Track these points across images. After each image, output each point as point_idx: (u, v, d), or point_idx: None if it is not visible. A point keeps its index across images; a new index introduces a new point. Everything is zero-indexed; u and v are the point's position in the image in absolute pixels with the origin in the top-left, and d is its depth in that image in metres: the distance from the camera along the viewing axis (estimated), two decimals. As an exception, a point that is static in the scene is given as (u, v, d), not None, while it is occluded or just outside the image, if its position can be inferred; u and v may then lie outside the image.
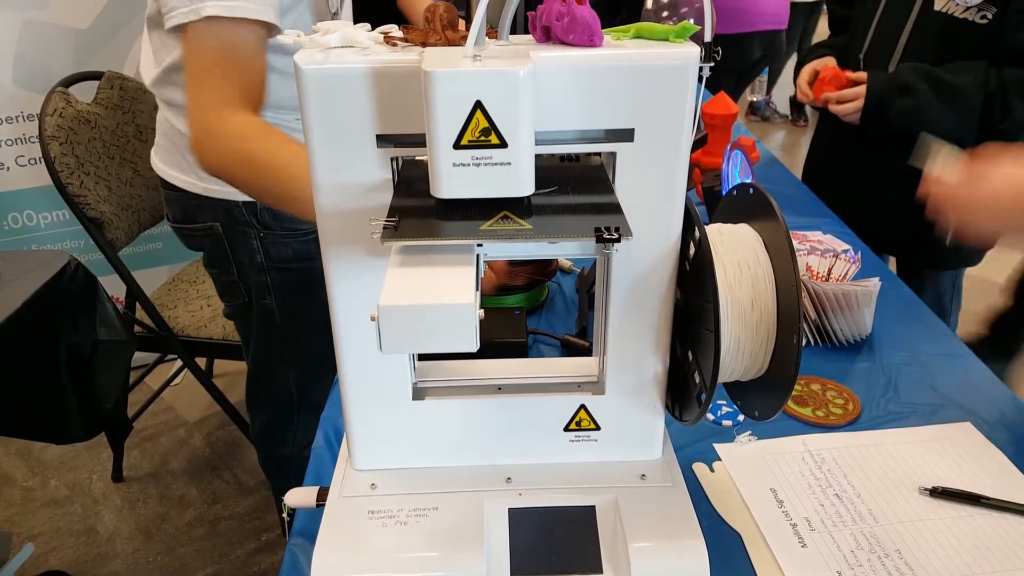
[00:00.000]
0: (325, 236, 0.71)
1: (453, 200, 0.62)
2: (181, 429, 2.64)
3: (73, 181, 1.83)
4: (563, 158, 0.76)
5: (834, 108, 1.77)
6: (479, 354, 0.66)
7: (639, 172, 0.71)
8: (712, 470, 1.00)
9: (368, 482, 0.85)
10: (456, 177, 0.59)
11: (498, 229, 0.62)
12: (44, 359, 1.53)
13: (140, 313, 2.09)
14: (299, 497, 0.87)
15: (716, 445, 1.04)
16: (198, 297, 2.18)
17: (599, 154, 0.77)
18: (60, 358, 1.55)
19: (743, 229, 0.82)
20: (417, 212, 0.65)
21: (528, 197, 0.63)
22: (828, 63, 1.86)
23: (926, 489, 0.94)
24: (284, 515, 0.88)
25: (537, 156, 0.63)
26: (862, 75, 1.74)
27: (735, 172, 1.68)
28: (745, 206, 0.83)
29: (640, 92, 0.68)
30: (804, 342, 1.28)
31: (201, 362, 2.35)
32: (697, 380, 0.78)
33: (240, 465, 2.46)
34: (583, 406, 0.83)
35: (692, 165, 1.73)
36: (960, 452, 1.02)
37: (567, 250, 0.68)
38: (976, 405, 1.12)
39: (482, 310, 0.56)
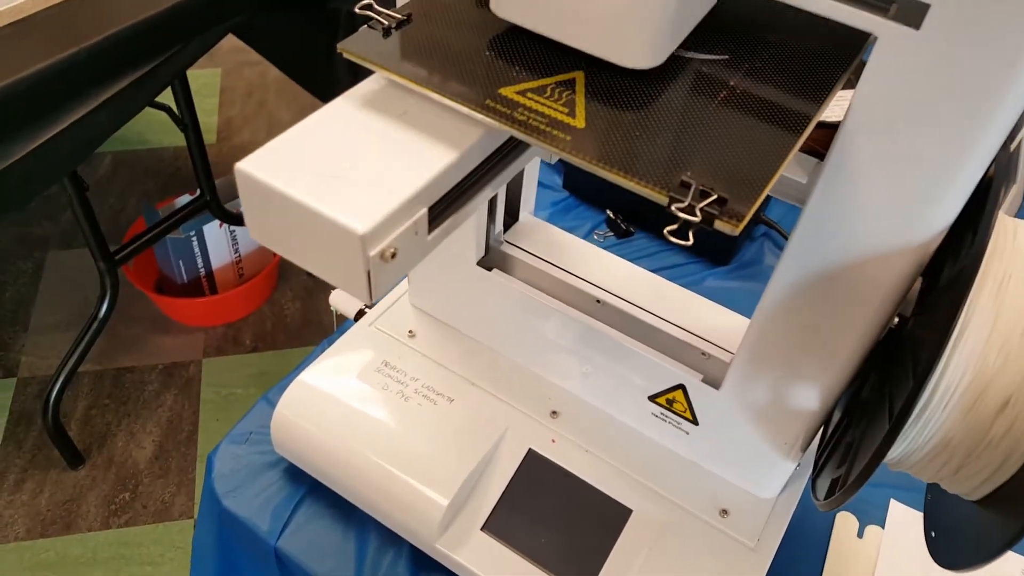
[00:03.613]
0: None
1: (519, 37, 0.35)
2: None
3: None
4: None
5: None
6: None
7: (911, 89, 0.36)
8: (861, 534, 0.69)
9: (409, 326, 0.68)
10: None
11: (519, 103, 0.34)
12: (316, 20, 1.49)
13: None
14: (343, 301, 0.72)
15: (896, 502, 0.71)
16: None
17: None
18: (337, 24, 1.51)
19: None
20: (455, 26, 0.39)
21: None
22: None
23: None
24: (333, 310, 0.75)
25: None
26: None
27: None
28: None
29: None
30: None
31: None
32: (851, 459, 0.48)
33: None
34: (682, 387, 0.56)
35: None
36: None
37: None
38: None
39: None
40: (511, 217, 0.66)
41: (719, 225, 0.32)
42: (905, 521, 0.70)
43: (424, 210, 0.32)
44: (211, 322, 1.67)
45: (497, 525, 0.58)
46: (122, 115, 1.08)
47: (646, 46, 0.35)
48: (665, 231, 0.33)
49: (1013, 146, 0.45)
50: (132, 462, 1.42)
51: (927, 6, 0.33)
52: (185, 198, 1.57)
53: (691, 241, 0.32)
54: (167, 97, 1.34)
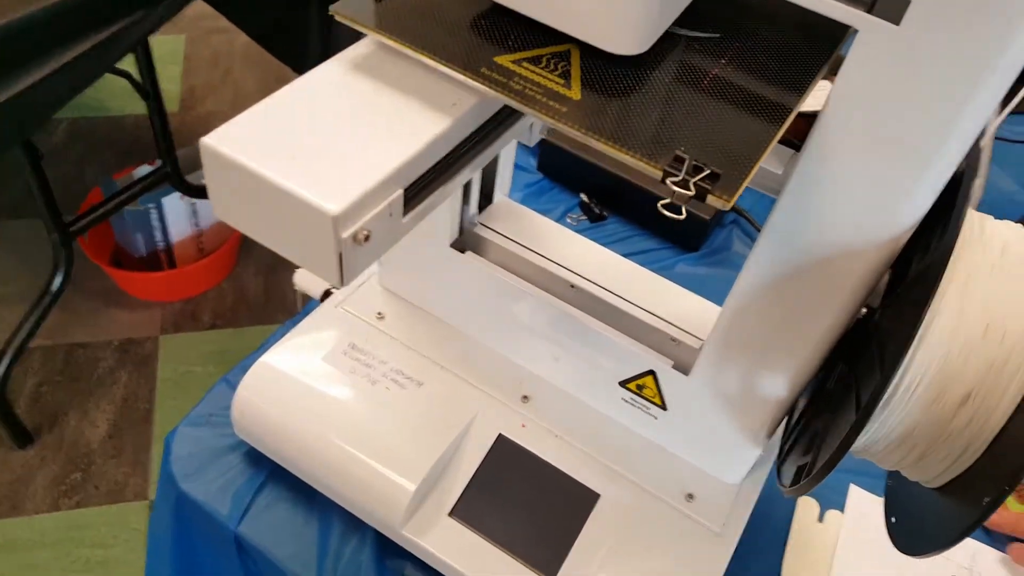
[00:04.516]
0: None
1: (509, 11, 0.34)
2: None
3: None
4: None
5: None
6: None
7: (890, 82, 0.36)
8: (822, 518, 0.70)
9: (378, 308, 0.66)
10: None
11: (515, 72, 0.33)
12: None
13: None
14: (308, 280, 0.71)
15: (856, 487, 0.73)
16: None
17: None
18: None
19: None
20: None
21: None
22: None
23: None
24: (297, 290, 0.73)
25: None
26: None
27: None
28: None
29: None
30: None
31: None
32: (816, 447, 0.48)
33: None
34: (652, 373, 0.56)
35: None
36: None
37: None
38: None
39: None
40: (486, 199, 0.65)
41: (711, 200, 0.32)
42: (864, 506, 0.71)
43: (400, 191, 0.31)
44: (169, 297, 1.63)
45: (465, 510, 0.57)
46: (80, 80, 1.04)
47: (632, 33, 0.34)
48: (659, 205, 0.33)
49: (983, 142, 0.45)
50: (84, 441, 1.38)
51: (908, 2, 0.33)
52: (145, 169, 1.52)
53: (684, 215, 0.32)
54: (129, 63, 1.29)
